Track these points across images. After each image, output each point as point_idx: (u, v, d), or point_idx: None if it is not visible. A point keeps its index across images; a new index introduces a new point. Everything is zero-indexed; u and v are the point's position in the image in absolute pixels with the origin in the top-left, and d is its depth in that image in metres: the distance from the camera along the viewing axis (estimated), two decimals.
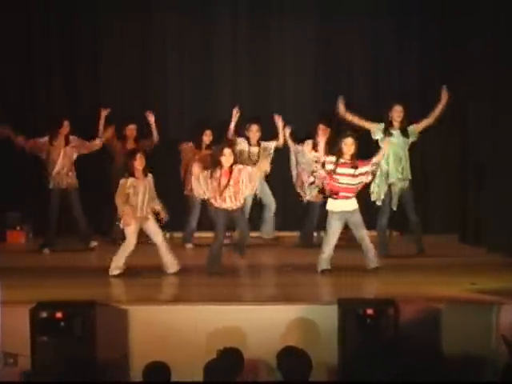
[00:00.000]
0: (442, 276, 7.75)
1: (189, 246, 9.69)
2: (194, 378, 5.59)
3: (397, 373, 5.75)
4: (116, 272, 7.91)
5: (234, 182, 7.86)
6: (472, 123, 9.65)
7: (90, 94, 10.55)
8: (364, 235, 7.93)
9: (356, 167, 7.82)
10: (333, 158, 7.87)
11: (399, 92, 10.38)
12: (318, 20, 10.55)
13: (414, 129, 8.84)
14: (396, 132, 8.78)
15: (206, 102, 10.62)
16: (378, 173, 8.64)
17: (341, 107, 8.83)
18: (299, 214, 9.87)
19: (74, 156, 9.49)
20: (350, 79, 10.66)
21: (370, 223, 8.45)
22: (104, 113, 9.62)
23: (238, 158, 8.83)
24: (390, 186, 8.80)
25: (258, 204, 9.75)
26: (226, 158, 7.86)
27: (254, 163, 9.10)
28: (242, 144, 9.57)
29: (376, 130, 8.80)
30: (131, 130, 9.87)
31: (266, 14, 10.56)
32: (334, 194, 7.87)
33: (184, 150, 9.74)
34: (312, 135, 9.46)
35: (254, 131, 9.62)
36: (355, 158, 7.86)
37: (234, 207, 7.95)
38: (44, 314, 6.11)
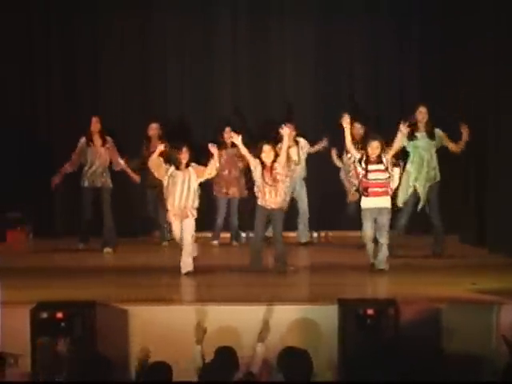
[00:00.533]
0: (443, 276, 7.74)
1: (215, 242, 9.80)
2: (194, 378, 5.59)
3: (397, 373, 5.74)
4: (184, 271, 7.88)
5: (274, 179, 7.87)
6: (473, 123, 9.63)
7: (90, 94, 10.56)
8: (384, 237, 7.94)
9: (382, 162, 7.88)
10: (363, 157, 7.96)
11: (399, 92, 10.39)
12: (318, 21, 10.59)
13: (441, 136, 8.76)
14: (420, 134, 8.72)
15: (206, 102, 10.64)
16: (404, 177, 8.64)
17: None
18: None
19: (108, 158, 9.44)
20: (351, 79, 10.66)
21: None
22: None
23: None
24: (414, 188, 8.73)
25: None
26: (267, 154, 7.86)
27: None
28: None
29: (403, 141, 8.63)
30: (154, 129, 9.82)
31: (266, 15, 10.60)
32: (365, 191, 7.92)
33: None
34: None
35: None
36: (381, 159, 7.93)
37: (273, 205, 7.94)
38: (44, 315, 6.10)
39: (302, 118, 10.24)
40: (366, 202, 7.95)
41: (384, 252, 7.96)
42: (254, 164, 7.91)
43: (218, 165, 8.02)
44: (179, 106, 10.70)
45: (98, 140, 9.37)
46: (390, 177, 7.93)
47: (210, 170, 7.97)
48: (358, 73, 10.65)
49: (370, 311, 6.13)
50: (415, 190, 8.76)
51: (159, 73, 10.68)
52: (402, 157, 8.65)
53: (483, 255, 8.91)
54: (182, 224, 7.95)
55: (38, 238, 10.24)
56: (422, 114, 8.72)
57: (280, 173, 7.88)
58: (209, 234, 9.93)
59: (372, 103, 10.40)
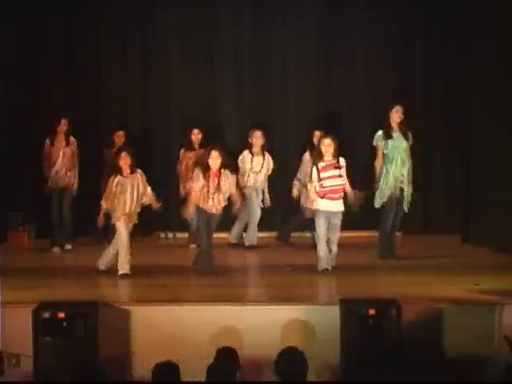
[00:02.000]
0: (445, 276, 7.73)
1: (192, 246, 9.72)
2: (195, 378, 5.58)
3: (399, 373, 5.74)
4: (122, 271, 7.85)
5: (221, 186, 7.87)
6: (475, 122, 9.64)
7: (91, 95, 10.55)
8: (336, 240, 7.97)
9: (339, 168, 7.88)
10: (314, 170, 7.91)
11: (401, 91, 10.39)
12: (319, 20, 10.55)
13: (411, 139, 8.68)
14: (396, 134, 8.62)
15: (207, 104, 10.63)
16: (382, 177, 8.57)
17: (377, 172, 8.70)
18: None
19: (73, 157, 9.53)
20: (351, 79, 10.65)
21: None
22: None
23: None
24: (395, 188, 8.63)
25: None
26: (214, 160, 7.85)
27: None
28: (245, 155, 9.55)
29: (379, 143, 8.61)
30: (119, 136, 9.85)
31: (268, 15, 10.56)
32: (321, 196, 7.90)
33: (181, 156, 9.73)
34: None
35: (258, 137, 9.57)
36: (337, 158, 7.90)
37: (215, 211, 7.93)
38: (46, 315, 6.11)
39: (303, 117, 10.23)
40: (321, 204, 7.91)
41: (334, 252, 7.98)
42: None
43: (152, 201, 8.02)
44: (181, 108, 10.68)
45: (61, 141, 9.48)
46: (344, 182, 7.90)
47: (147, 196, 8.01)
48: (359, 72, 10.63)
49: (371, 311, 6.13)
50: (399, 191, 8.63)
51: (160, 74, 10.64)
52: None
53: (485, 255, 8.90)
54: (129, 227, 7.97)
55: (39, 238, 10.23)
56: (398, 113, 8.61)
57: (224, 183, 7.89)
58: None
59: (373, 103, 10.38)
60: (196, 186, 7.87)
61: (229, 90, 10.64)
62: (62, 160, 9.47)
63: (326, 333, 6.40)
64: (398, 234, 9.15)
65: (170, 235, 10.56)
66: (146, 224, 9.82)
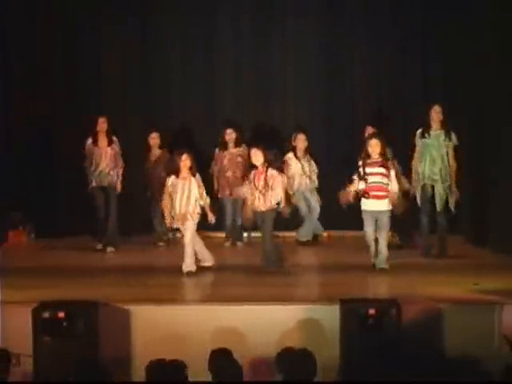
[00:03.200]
0: (445, 276, 7.74)
1: (227, 244, 9.81)
2: (195, 378, 5.58)
3: (399, 373, 5.74)
4: (186, 270, 7.92)
5: (265, 183, 7.93)
6: (478, 123, 9.64)
7: (92, 95, 10.54)
8: (383, 238, 7.97)
9: (386, 167, 7.94)
10: (360, 163, 8.01)
11: (403, 92, 10.40)
12: (320, 20, 10.56)
13: (453, 140, 8.71)
14: (433, 133, 8.69)
15: (207, 102, 10.63)
16: (415, 176, 8.70)
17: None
18: None
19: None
20: (352, 79, 10.66)
21: None
22: None
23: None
24: (425, 186, 8.70)
25: None
26: (255, 157, 7.96)
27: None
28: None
29: (417, 141, 8.72)
30: (154, 138, 9.85)
31: (268, 14, 10.56)
32: (366, 194, 7.94)
33: (214, 157, 9.78)
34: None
35: (302, 140, 9.62)
36: (384, 158, 7.99)
37: (263, 208, 7.96)
38: (46, 314, 6.11)
39: (303, 117, 10.24)
40: (366, 204, 7.97)
41: (384, 252, 7.98)
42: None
43: (207, 203, 8.07)
44: (180, 107, 10.69)
45: (104, 140, 9.44)
46: (389, 181, 7.94)
47: (201, 198, 8.05)
48: (360, 72, 10.63)
49: (371, 311, 6.13)
50: (425, 189, 8.72)
51: (161, 73, 10.66)
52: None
53: (486, 255, 8.89)
54: (184, 226, 8.01)
55: (39, 237, 10.23)
56: (436, 112, 8.69)
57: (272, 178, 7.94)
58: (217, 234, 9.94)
59: (374, 102, 10.39)
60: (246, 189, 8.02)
61: (229, 90, 10.65)
62: (105, 160, 9.45)
63: (326, 332, 6.40)
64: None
65: (171, 235, 10.55)
66: (147, 224, 9.89)
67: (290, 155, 9.61)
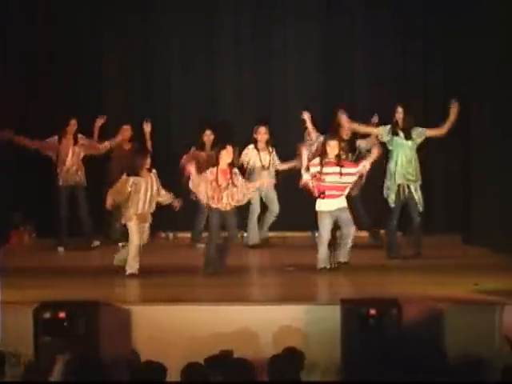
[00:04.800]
0: (445, 276, 7.73)
1: (200, 245, 9.72)
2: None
3: (399, 373, 5.74)
4: (130, 271, 7.91)
5: (232, 183, 7.89)
6: (475, 123, 9.64)
7: (92, 95, 10.55)
8: (351, 233, 8.01)
9: (342, 166, 7.96)
10: (317, 160, 8.05)
11: (403, 90, 10.39)
12: (321, 19, 10.55)
13: (422, 132, 8.71)
14: (402, 133, 8.70)
15: (207, 102, 10.62)
16: (388, 175, 8.66)
17: (343, 119, 8.88)
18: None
19: (82, 155, 9.62)
20: (352, 78, 10.65)
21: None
22: (99, 122, 9.75)
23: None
24: (399, 186, 8.68)
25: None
26: (227, 156, 7.89)
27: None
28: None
29: (383, 133, 8.76)
30: (126, 130, 9.92)
31: (269, 14, 10.56)
32: (321, 194, 7.95)
33: (188, 156, 9.73)
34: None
35: (263, 133, 9.63)
36: (340, 159, 8.02)
37: (228, 208, 7.95)
38: (47, 314, 6.11)
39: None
40: (323, 205, 7.97)
41: (347, 247, 8.05)
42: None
43: (169, 201, 8.09)
44: (181, 106, 10.67)
45: (70, 139, 9.56)
46: (346, 182, 7.97)
47: (163, 196, 8.06)
48: (360, 70, 10.63)
49: (372, 311, 6.13)
50: (403, 190, 8.69)
51: (161, 73, 10.65)
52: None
53: (485, 255, 8.90)
54: (141, 227, 8.00)
55: (40, 238, 10.23)
56: (398, 113, 8.72)
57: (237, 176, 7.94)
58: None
59: (374, 102, 10.38)
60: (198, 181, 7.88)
61: (229, 90, 10.64)
62: (72, 158, 9.53)
63: (327, 332, 6.40)
64: (398, 233, 9.14)
65: (171, 235, 10.56)
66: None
67: (251, 146, 9.62)
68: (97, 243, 9.68)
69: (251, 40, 10.61)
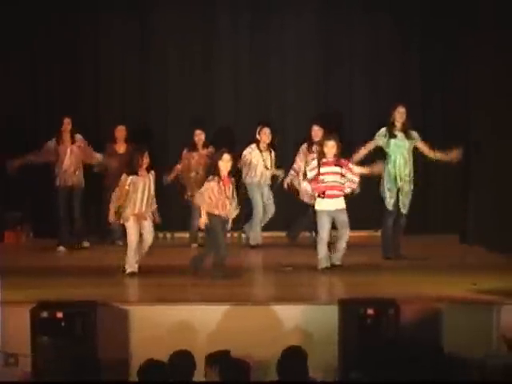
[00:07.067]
0: (443, 276, 7.74)
1: (194, 245, 9.71)
2: (195, 378, 5.58)
3: (397, 373, 5.74)
4: (129, 270, 7.94)
5: (232, 191, 7.87)
6: (474, 123, 9.64)
7: (89, 95, 10.55)
8: (345, 235, 8.01)
9: (340, 166, 7.97)
10: (314, 162, 8.08)
11: (400, 91, 10.39)
12: (318, 21, 10.55)
13: (417, 138, 8.68)
14: (400, 134, 8.66)
15: (205, 103, 10.62)
16: (387, 178, 8.60)
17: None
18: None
19: (80, 156, 9.58)
20: (351, 78, 10.65)
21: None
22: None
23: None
24: (398, 188, 8.65)
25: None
26: (225, 163, 7.77)
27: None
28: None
29: (378, 139, 8.70)
30: (121, 130, 9.92)
31: (267, 14, 10.55)
32: (322, 194, 7.97)
33: (182, 156, 9.76)
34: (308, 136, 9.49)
35: (267, 134, 9.65)
36: (339, 159, 8.02)
37: (231, 216, 7.92)
38: (44, 314, 6.11)
39: (303, 117, 10.23)
40: (322, 204, 7.99)
41: (341, 250, 8.06)
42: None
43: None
44: (179, 107, 10.66)
45: (67, 139, 9.53)
46: (346, 183, 7.98)
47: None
48: (358, 71, 10.63)
49: (370, 311, 6.14)
50: (398, 191, 8.66)
51: (159, 74, 10.63)
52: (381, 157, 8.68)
53: (483, 255, 8.90)
54: (142, 226, 8.00)
55: (37, 237, 10.22)
56: (400, 113, 8.66)
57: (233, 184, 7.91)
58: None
59: (372, 102, 10.39)
60: (207, 195, 7.75)
61: (227, 90, 10.63)
62: (70, 158, 9.50)
63: (325, 332, 6.40)
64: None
65: (169, 235, 10.56)
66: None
67: (253, 146, 9.63)
68: (86, 244, 9.67)
69: (249, 40, 10.61)
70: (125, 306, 6.64)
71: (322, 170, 7.97)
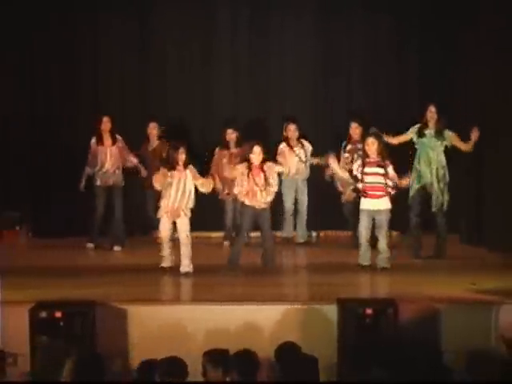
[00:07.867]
0: (442, 276, 7.75)
1: (226, 243, 9.71)
2: (193, 378, 5.58)
3: (396, 373, 5.74)
4: (162, 265, 8.08)
5: (265, 179, 7.92)
6: (473, 124, 9.63)
7: (89, 95, 10.54)
8: (383, 236, 8.00)
9: (383, 166, 7.97)
10: (358, 162, 8.13)
11: (399, 91, 10.40)
12: (318, 20, 10.55)
13: (451, 137, 8.70)
14: (429, 132, 8.70)
15: (205, 103, 10.62)
16: (413, 174, 8.65)
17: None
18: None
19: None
20: (350, 79, 10.65)
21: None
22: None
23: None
24: (423, 186, 8.69)
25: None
26: (257, 156, 7.92)
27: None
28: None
29: (410, 133, 8.78)
30: (152, 128, 9.82)
31: (266, 11, 10.55)
32: (364, 193, 8.02)
33: (215, 156, 9.74)
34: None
35: (293, 130, 9.66)
36: (382, 156, 8.02)
37: (264, 205, 7.96)
38: (43, 314, 6.11)
39: (302, 117, 10.23)
40: (364, 203, 8.03)
41: (384, 251, 8.01)
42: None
43: (211, 187, 8.09)
44: (179, 106, 10.67)
45: (108, 140, 9.43)
46: (389, 185, 7.97)
47: (203, 186, 8.02)
48: (356, 72, 10.63)
49: (369, 311, 6.14)
50: (422, 189, 8.72)
51: (158, 74, 10.64)
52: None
53: (483, 255, 8.90)
54: (177, 223, 8.02)
55: (37, 237, 10.22)
56: (431, 113, 8.72)
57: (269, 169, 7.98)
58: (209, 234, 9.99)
59: (371, 102, 10.39)
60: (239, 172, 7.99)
61: (227, 87, 10.63)
62: (110, 159, 9.42)
63: (324, 332, 6.40)
64: (394, 233, 9.13)
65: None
66: (147, 223, 9.87)
67: (283, 145, 9.64)
68: (118, 248, 9.52)
69: (249, 37, 10.60)
70: (124, 305, 6.63)
71: (366, 169, 8.01)
